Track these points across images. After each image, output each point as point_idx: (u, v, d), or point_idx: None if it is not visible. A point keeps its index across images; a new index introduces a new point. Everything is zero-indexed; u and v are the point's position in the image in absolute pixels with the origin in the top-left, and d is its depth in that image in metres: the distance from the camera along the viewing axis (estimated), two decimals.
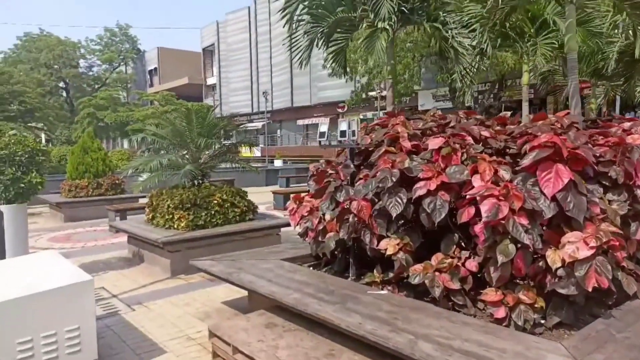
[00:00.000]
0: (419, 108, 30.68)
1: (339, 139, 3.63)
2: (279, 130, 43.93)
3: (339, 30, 5.10)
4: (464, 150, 2.99)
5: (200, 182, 6.65)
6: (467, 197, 2.74)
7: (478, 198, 2.62)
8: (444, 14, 4.89)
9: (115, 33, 59.38)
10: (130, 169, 6.38)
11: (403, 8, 4.72)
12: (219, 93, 49.02)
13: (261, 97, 43.62)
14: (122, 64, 61.82)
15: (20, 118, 27.57)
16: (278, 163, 26.82)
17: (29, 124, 27.97)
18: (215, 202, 6.32)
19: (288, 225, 6.81)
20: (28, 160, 5.31)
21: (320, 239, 3.60)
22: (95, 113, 37.33)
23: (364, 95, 25.28)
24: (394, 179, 2.97)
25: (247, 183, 18.54)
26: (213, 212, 6.27)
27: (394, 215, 2.96)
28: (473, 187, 2.74)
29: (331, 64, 5.44)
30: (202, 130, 6.48)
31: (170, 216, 6.15)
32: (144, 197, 11.76)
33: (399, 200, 2.95)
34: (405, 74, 20.00)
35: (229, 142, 6.94)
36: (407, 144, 3.19)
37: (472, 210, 2.71)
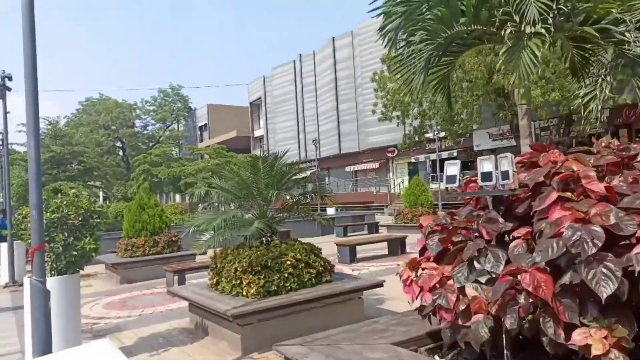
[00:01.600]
0: (475, 149, 29.36)
1: (482, 183, 2.70)
2: (327, 178, 43.45)
3: (447, 52, 4.29)
4: None
5: (269, 239, 5.83)
6: None
7: None
8: (618, 13, 3.86)
9: (168, 94, 62.41)
10: (192, 228, 5.67)
11: (561, 6, 3.75)
12: (267, 144, 49.67)
13: (309, 145, 43.71)
14: (174, 122, 64.61)
15: (80, 177, 28.54)
16: (331, 211, 25.98)
17: (88, 183, 28.85)
18: (289, 263, 5.44)
19: (373, 287, 5.84)
20: (81, 223, 4.69)
21: (460, 322, 2.60)
22: (149, 169, 38.36)
23: (416, 138, 24.33)
24: (598, 242, 1.98)
25: (302, 233, 17.58)
26: (286, 275, 5.39)
27: (604, 296, 1.95)
28: None
29: (433, 93, 4.60)
30: (269, 180, 5.75)
31: (238, 281, 5.31)
32: (202, 254, 11.14)
33: (610, 274, 1.95)
34: (462, 113, 19.02)
35: (299, 192, 6.16)
36: (598, 187, 2.21)
37: None
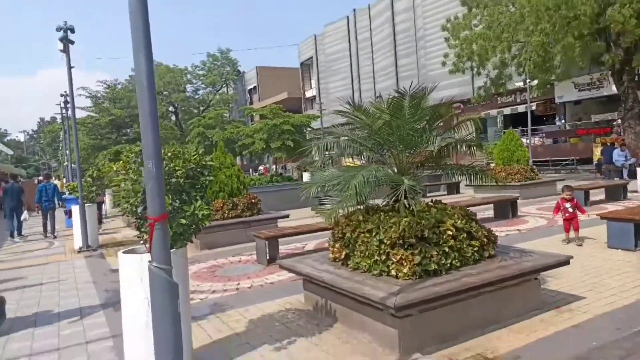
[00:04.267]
0: (557, 101, 26.50)
1: None
2: None
3: None
4: None
5: (414, 202, 4.47)
6: None
7: None
8: None
9: (217, 58, 61.56)
10: (316, 187, 4.39)
11: None
12: (319, 104, 48.09)
13: (365, 104, 41.72)
14: (224, 85, 64.07)
15: (140, 140, 28.29)
16: None
17: None
18: (449, 233, 4.10)
19: (558, 265, 4.40)
20: (190, 183, 3.50)
21: None
22: (204, 132, 38.02)
23: (493, 90, 21.89)
24: None
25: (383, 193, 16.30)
26: (446, 249, 4.05)
27: None
28: None
29: None
30: (414, 125, 4.34)
31: (383, 257, 4.03)
32: (283, 217, 10.04)
33: None
34: (557, 57, 16.55)
35: (445, 140, 4.70)
36: None
37: None
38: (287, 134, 29.65)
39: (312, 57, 49.74)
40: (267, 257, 7.27)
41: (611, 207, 10.66)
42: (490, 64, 19.83)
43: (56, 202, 13.23)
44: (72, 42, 10.40)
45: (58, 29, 10.27)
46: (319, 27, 64.90)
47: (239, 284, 6.26)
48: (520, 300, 4.26)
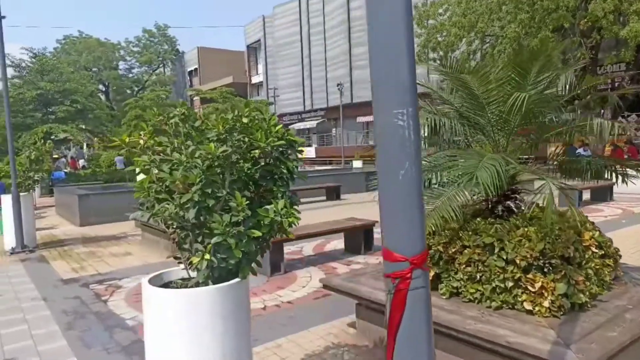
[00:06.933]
0: None
1: None
2: (334, 129, 40.68)
3: None
4: None
5: (517, 202, 3.37)
6: None
7: None
8: None
9: (153, 34, 57.51)
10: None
11: None
12: (266, 91, 46.21)
13: (315, 93, 40.67)
14: (161, 65, 59.93)
15: (71, 120, 25.07)
16: (357, 164, 23.52)
17: (80, 126, 25.46)
18: (593, 250, 3.05)
19: None
20: (266, 170, 2.14)
21: None
22: (142, 115, 35.07)
23: None
24: None
25: (349, 189, 15.31)
26: (590, 272, 3.00)
27: None
28: None
29: None
30: (542, 94, 3.24)
31: (510, 284, 2.89)
32: None
33: None
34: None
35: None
36: None
37: None
38: None
39: (259, 40, 47.71)
40: (270, 266, 5.93)
41: (603, 207, 10.39)
42: (453, 56, 19.44)
43: None
44: None
45: None
46: (268, 7, 62.34)
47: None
48: None
